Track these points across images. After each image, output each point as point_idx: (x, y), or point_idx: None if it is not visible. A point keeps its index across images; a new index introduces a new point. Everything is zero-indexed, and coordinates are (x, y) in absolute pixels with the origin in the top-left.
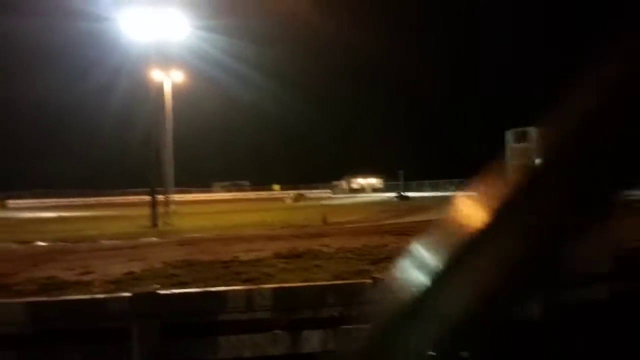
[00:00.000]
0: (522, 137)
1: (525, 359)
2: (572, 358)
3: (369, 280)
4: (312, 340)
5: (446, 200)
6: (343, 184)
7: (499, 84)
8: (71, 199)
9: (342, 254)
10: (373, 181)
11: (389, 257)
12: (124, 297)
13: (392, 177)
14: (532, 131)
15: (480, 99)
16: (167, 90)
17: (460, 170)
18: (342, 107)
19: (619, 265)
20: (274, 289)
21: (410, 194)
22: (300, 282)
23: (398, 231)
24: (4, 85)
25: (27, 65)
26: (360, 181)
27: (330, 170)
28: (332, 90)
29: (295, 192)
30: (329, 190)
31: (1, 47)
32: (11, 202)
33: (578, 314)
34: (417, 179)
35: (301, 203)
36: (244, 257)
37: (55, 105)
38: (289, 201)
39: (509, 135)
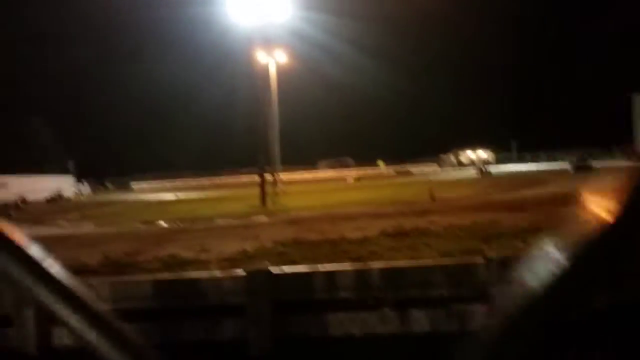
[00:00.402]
0: None
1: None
2: None
3: (480, 259)
4: (422, 320)
5: (563, 173)
6: (451, 157)
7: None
8: (187, 181)
9: (451, 231)
10: (483, 154)
11: (501, 234)
12: (239, 275)
13: (503, 149)
14: None
15: (596, 62)
16: (272, 71)
17: (580, 140)
18: (448, 80)
19: None
20: (382, 268)
21: (524, 166)
22: (407, 260)
23: (511, 207)
24: (127, 76)
25: (143, 53)
26: (469, 154)
27: (437, 144)
28: (436, 65)
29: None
30: (435, 165)
31: (125, 39)
32: (134, 185)
33: None
34: (532, 150)
35: (363, 182)
36: (350, 235)
37: (170, 90)
38: (350, 181)
39: (637, 99)
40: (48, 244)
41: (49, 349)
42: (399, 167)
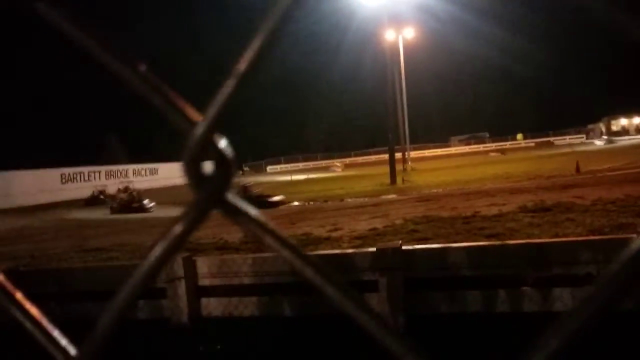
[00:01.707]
0: None
1: None
2: None
3: (634, 235)
4: (565, 298)
5: None
6: (600, 126)
7: None
8: (317, 162)
9: (600, 206)
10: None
11: None
12: (370, 252)
13: None
14: None
15: None
16: (400, 49)
17: None
18: (595, 42)
19: None
20: (519, 244)
21: None
22: (549, 237)
23: None
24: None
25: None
26: (622, 122)
27: (583, 113)
28: (577, 34)
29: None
30: (582, 136)
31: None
32: (269, 168)
33: None
34: None
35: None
36: (485, 211)
37: (300, 74)
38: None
39: None
40: None
41: (200, 318)
42: (540, 140)
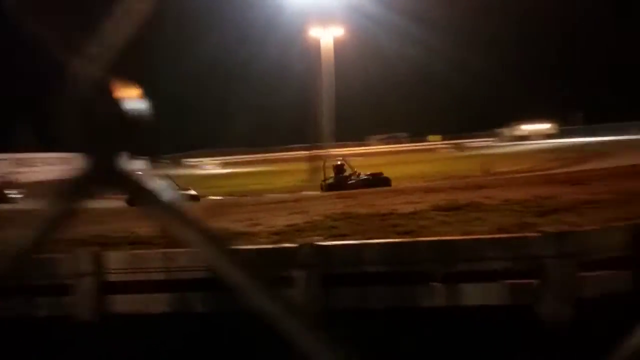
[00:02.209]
0: None
1: None
2: None
3: (535, 234)
4: (471, 293)
5: (630, 145)
6: (509, 131)
7: None
8: (238, 156)
9: (507, 205)
10: (543, 126)
11: (558, 209)
12: (287, 248)
13: (570, 121)
14: None
15: None
16: (327, 46)
17: None
18: (508, 53)
19: None
20: (431, 241)
21: (586, 139)
22: (459, 235)
23: (569, 181)
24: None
25: (194, 28)
26: (528, 127)
27: (494, 118)
28: (497, 37)
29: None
30: (492, 139)
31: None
32: (187, 161)
33: None
34: (600, 122)
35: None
36: (401, 209)
37: (222, 66)
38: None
39: None
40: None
41: (106, 316)
42: (454, 141)
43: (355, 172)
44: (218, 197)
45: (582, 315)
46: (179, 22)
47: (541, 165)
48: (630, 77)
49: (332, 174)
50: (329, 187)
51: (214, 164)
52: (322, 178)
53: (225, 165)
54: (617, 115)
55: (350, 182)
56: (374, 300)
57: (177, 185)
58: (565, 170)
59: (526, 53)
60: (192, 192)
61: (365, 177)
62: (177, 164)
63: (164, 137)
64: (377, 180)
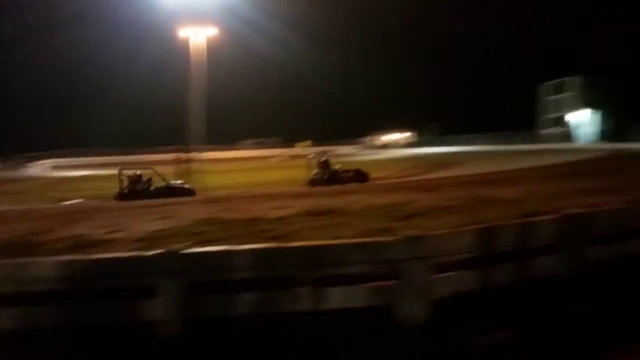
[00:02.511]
0: (559, 89)
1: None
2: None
3: (394, 238)
4: (336, 296)
5: (479, 155)
6: (371, 139)
7: (533, 37)
8: (105, 158)
9: (370, 211)
10: (403, 136)
11: (415, 214)
12: (151, 255)
13: (427, 132)
14: (573, 81)
15: (513, 52)
16: (199, 47)
17: (497, 124)
18: (375, 64)
19: None
20: (298, 246)
21: (441, 149)
22: (326, 239)
23: (426, 188)
24: (40, 48)
25: (59, 28)
26: (389, 137)
27: (360, 126)
28: (365, 47)
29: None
30: (357, 147)
31: (37, 12)
32: (50, 162)
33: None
34: (454, 133)
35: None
36: (269, 214)
37: (90, 66)
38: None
39: (544, 87)
40: None
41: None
42: (322, 148)
43: (151, 180)
44: (77, 201)
45: (436, 314)
46: (44, 14)
47: (401, 173)
48: (482, 92)
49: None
50: (122, 197)
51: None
52: (118, 188)
53: (91, 166)
54: (468, 127)
55: (143, 191)
56: (242, 306)
57: None
58: (421, 177)
59: (392, 65)
60: None
61: (161, 188)
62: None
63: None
64: (178, 191)
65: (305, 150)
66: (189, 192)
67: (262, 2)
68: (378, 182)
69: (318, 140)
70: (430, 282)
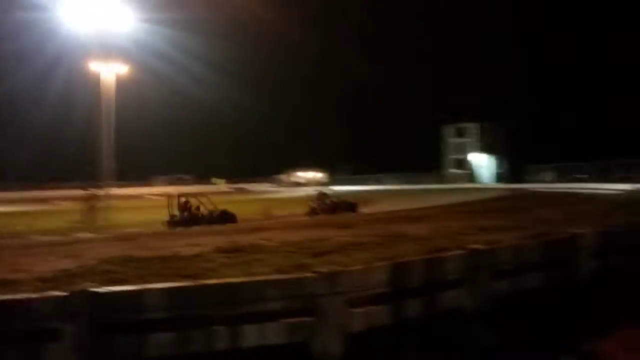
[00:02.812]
0: (460, 133)
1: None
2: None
3: (310, 274)
4: (251, 334)
5: (388, 194)
6: (285, 177)
7: (437, 83)
8: (6, 193)
9: (284, 247)
10: (316, 175)
11: (330, 251)
12: (54, 296)
13: (340, 171)
14: (472, 127)
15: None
16: (108, 82)
17: (405, 164)
18: (289, 102)
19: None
20: (212, 284)
21: (353, 188)
22: (241, 276)
23: (338, 224)
24: None
25: None
26: (302, 174)
27: (274, 164)
28: (279, 86)
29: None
30: (271, 184)
31: None
32: None
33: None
34: (365, 173)
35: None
36: (184, 252)
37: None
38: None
39: (446, 131)
40: None
41: None
42: (236, 185)
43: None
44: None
45: (351, 348)
46: None
47: (310, 210)
48: (391, 134)
49: None
50: (174, 224)
51: None
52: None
53: None
54: (379, 168)
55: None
56: (154, 347)
57: None
58: (333, 215)
59: (306, 107)
60: None
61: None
62: None
63: None
64: (226, 217)
65: (220, 187)
66: (233, 218)
67: (181, 41)
68: (291, 219)
69: (234, 177)
70: (346, 317)
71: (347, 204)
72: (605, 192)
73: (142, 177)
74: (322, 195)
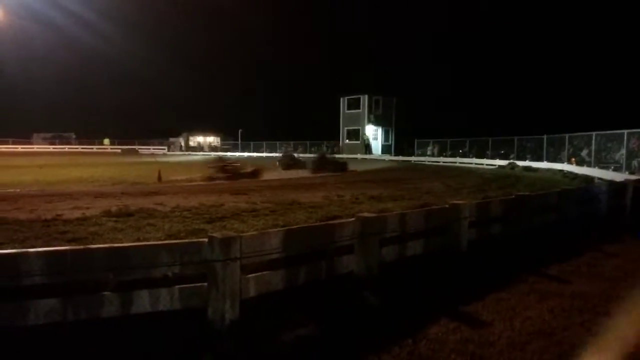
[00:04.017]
0: (354, 104)
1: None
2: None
3: (204, 239)
4: (143, 300)
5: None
6: (180, 141)
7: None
8: None
9: (178, 212)
10: (211, 139)
11: (225, 217)
12: None
13: (231, 136)
14: (364, 98)
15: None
16: None
17: (300, 133)
18: (188, 64)
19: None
20: (101, 248)
21: (240, 154)
22: (131, 242)
23: (234, 191)
24: None
25: None
26: (198, 139)
27: (168, 127)
28: (181, 46)
29: None
30: (164, 148)
31: None
32: None
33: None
34: (257, 139)
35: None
36: (68, 215)
37: None
38: None
39: (343, 102)
40: None
41: None
42: (126, 147)
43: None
44: None
45: (246, 313)
46: None
47: (208, 175)
48: (287, 105)
49: None
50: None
51: None
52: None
53: None
54: (273, 135)
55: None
56: (37, 315)
57: None
58: (228, 181)
59: (206, 70)
60: None
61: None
62: None
63: None
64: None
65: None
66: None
67: None
68: (186, 184)
69: (121, 139)
70: (240, 283)
71: (250, 172)
72: (483, 167)
73: (20, 134)
74: (220, 161)
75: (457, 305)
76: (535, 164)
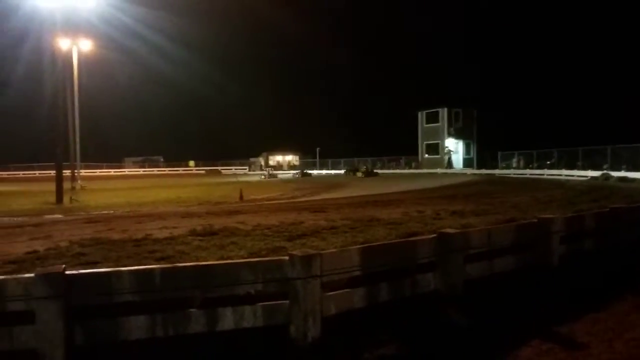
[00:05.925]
0: (433, 118)
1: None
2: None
3: (285, 257)
4: (227, 317)
5: (359, 179)
6: (260, 160)
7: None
8: None
9: (259, 231)
10: (290, 158)
11: (305, 234)
12: (26, 278)
13: (310, 155)
14: (442, 111)
15: (396, 81)
16: (73, 60)
17: (378, 149)
18: (264, 85)
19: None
20: (188, 267)
21: (319, 171)
22: (215, 259)
23: (313, 208)
24: None
25: None
26: (277, 158)
27: (247, 147)
28: (255, 68)
29: None
30: (245, 168)
31: None
32: None
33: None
34: (335, 157)
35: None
36: (157, 234)
37: None
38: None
39: (421, 116)
40: None
41: None
42: (210, 168)
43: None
44: None
45: (328, 331)
46: None
47: (287, 194)
48: (363, 122)
49: None
50: None
51: None
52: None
53: None
54: (348, 154)
55: None
56: (131, 331)
57: None
58: (306, 198)
59: (283, 90)
60: None
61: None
62: None
63: None
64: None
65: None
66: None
67: (150, 18)
68: (266, 202)
69: (204, 160)
70: (321, 300)
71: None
72: (574, 178)
73: (112, 159)
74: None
75: (549, 325)
76: (632, 174)
